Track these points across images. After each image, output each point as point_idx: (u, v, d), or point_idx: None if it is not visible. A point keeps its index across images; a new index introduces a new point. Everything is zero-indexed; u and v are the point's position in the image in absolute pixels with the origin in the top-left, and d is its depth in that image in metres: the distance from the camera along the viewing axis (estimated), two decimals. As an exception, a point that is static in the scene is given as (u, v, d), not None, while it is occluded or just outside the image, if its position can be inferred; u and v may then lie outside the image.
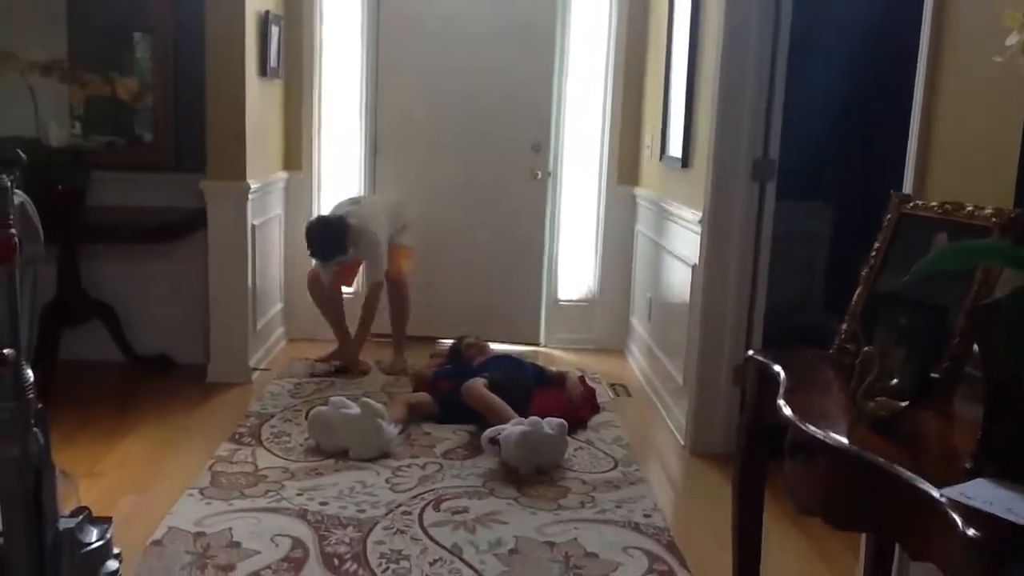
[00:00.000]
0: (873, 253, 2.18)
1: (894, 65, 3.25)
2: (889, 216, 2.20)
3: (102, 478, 3.15)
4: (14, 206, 1.75)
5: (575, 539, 2.88)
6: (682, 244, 4.05)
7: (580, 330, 5.30)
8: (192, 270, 4.38)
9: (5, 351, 1.68)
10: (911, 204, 2.16)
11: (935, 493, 1.31)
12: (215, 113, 4.17)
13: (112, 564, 1.89)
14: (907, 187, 2.45)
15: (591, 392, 4.26)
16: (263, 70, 4.44)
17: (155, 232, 4.18)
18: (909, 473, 1.38)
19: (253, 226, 4.35)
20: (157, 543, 2.72)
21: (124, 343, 4.37)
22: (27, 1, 4.42)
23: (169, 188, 4.37)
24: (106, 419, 3.73)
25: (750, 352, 2.16)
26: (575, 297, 5.36)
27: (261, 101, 4.46)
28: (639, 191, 5.04)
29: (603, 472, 3.45)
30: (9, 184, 1.70)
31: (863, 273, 2.16)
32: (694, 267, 3.81)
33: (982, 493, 1.32)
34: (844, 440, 1.57)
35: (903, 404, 1.61)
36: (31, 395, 1.71)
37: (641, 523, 3.01)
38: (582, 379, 4.34)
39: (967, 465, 1.40)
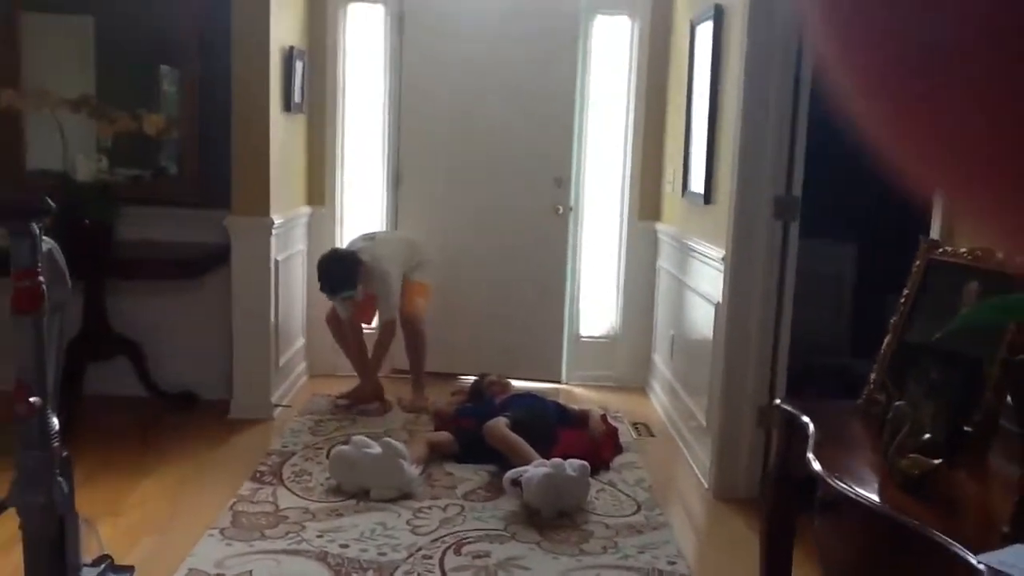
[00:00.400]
0: (902, 300, 2.15)
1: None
2: (917, 262, 2.17)
3: (123, 518, 3.14)
4: (42, 253, 1.77)
5: (598, 585, 2.84)
6: (705, 281, 4.02)
7: (602, 367, 5.25)
8: (216, 305, 4.39)
9: (31, 399, 1.69)
10: (940, 250, 2.14)
11: (972, 560, 1.28)
12: (240, 148, 4.20)
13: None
14: (935, 231, 2.43)
15: (613, 430, 4.22)
16: (287, 105, 4.48)
17: (180, 267, 4.20)
18: (944, 537, 1.35)
19: (276, 261, 4.37)
20: (177, 585, 2.71)
21: (148, 380, 4.38)
22: (57, 38, 4.50)
23: (193, 223, 4.39)
24: (128, 456, 3.74)
25: (777, 401, 2.13)
26: (597, 334, 5.32)
27: (285, 136, 4.50)
28: (661, 227, 5.02)
29: (626, 516, 3.40)
30: (38, 233, 1.72)
31: (892, 321, 2.13)
32: (717, 305, 3.77)
33: (1021, 560, 1.29)
34: (875, 499, 1.54)
35: (936, 462, 1.58)
36: (56, 443, 1.71)
37: (664, 570, 2.96)
38: (604, 417, 4.31)
39: (1004, 529, 1.37)
